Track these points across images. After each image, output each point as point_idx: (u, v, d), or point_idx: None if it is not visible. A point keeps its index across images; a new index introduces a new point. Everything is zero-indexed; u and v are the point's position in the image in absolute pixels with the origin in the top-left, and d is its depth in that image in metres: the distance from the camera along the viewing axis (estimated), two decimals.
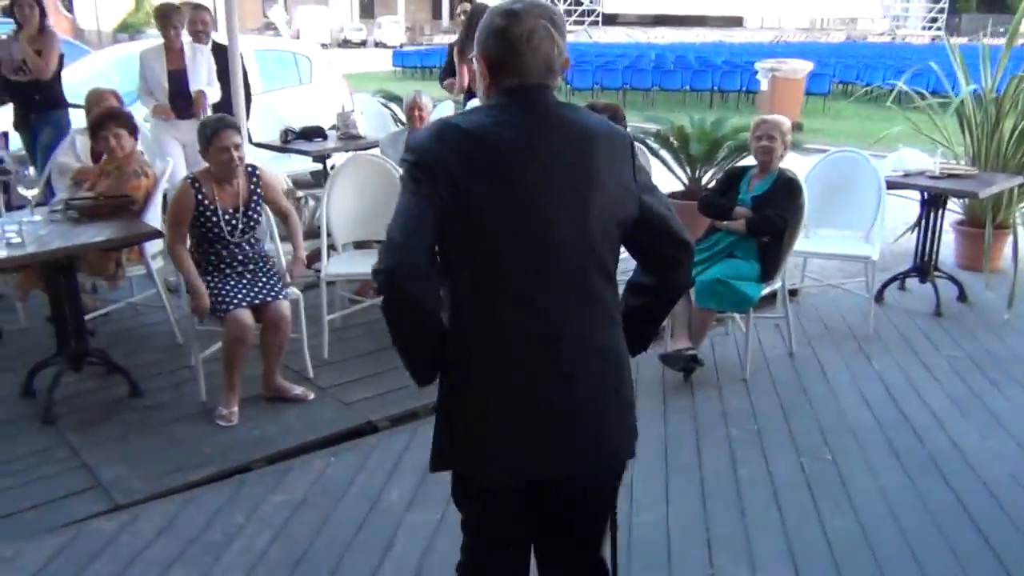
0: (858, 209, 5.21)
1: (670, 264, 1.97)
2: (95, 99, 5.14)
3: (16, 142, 6.39)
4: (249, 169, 4.06)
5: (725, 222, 4.47)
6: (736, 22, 57.62)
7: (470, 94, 6.66)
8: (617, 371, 1.88)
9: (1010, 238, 6.03)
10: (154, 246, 4.72)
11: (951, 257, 6.22)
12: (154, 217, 4.65)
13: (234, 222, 3.95)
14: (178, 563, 2.92)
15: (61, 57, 6.23)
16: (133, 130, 4.60)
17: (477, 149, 1.74)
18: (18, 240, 3.76)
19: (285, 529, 3.12)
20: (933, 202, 5.45)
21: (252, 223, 4.02)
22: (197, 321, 4.05)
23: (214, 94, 6.11)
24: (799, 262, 5.51)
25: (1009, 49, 6.14)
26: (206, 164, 3.97)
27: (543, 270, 1.77)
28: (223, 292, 3.85)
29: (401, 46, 38.96)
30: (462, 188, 1.71)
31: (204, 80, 6.08)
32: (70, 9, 37.68)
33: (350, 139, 6.73)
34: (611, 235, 1.82)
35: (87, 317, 4.46)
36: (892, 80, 19.80)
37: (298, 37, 32.14)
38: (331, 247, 4.74)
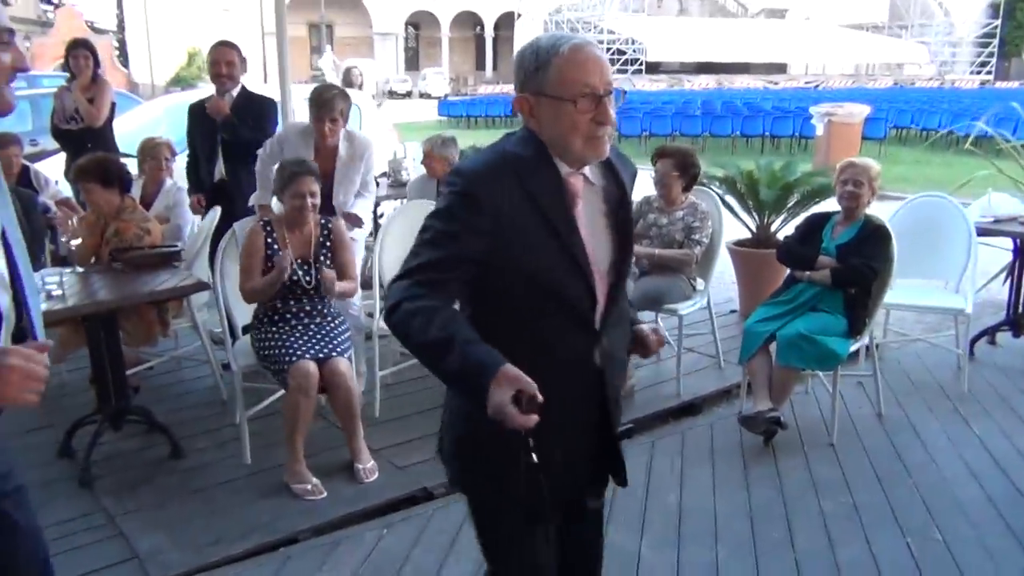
0: (944, 257, 4.86)
1: None
2: (149, 149, 4.99)
3: (66, 190, 6.29)
4: (323, 221, 3.86)
5: (807, 272, 4.15)
6: (780, 69, 57.38)
7: None
8: None
9: None
10: (199, 298, 4.52)
11: None
12: (201, 268, 4.48)
13: (301, 272, 3.72)
14: None
15: (113, 106, 6.12)
16: (111, 183, 4.26)
17: None
18: (59, 292, 3.58)
19: None
20: None
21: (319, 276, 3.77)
22: (242, 378, 3.82)
23: (364, 209, 4.55)
24: (881, 314, 5.13)
25: None
26: None
27: None
28: (286, 345, 3.60)
29: (445, 96, 39.29)
30: None
31: (351, 195, 4.48)
32: (125, 64, 38.80)
33: (401, 186, 6.55)
34: None
35: (130, 372, 4.25)
36: (949, 125, 19.23)
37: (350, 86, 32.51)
38: (384, 299, 4.49)
